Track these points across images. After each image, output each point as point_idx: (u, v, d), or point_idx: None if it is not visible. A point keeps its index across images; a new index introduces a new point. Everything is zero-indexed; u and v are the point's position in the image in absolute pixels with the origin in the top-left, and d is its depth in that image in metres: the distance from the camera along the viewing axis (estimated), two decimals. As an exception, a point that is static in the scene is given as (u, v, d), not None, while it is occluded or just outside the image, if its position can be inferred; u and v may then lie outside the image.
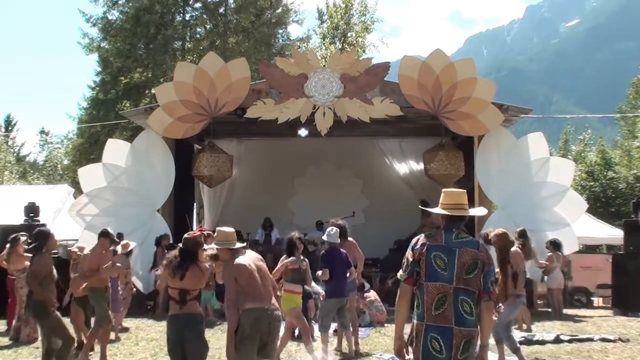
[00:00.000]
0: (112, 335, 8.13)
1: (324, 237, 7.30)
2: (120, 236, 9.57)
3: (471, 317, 3.40)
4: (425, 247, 3.45)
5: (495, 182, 11.66)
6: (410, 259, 3.49)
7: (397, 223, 14.32)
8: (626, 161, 30.26)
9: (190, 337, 4.71)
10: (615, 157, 30.60)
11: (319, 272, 7.01)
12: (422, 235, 3.58)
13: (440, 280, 3.39)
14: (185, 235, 5.03)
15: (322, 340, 7.09)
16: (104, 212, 11.57)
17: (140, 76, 27.42)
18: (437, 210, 3.63)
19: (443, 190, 3.71)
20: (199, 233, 5.15)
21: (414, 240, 3.57)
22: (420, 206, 4.06)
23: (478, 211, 3.79)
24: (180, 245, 4.97)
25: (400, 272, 3.57)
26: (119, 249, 8.61)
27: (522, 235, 9.15)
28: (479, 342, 3.47)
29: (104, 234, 7.42)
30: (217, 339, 8.54)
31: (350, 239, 7.74)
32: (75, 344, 7.90)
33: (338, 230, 7.27)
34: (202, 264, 4.93)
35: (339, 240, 7.22)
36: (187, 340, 4.70)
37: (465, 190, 3.71)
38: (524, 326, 9.11)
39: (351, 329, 7.40)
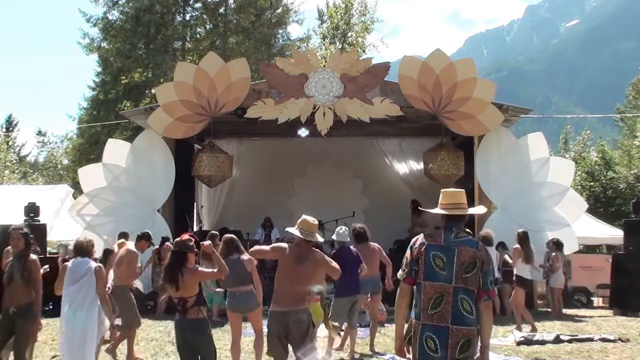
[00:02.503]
0: (107, 336, 8.11)
1: (334, 237, 7.33)
2: (125, 235, 9.47)
3: (471, 315, 3.38)
4: (424, 246, 3.46)
5: (495, 182, 11.66)
6: (409, 258, 3.51)
7: (397, 223, 14.31)
8: (626, 161, 30.26)
9: (197, 341, 4.77)
10: (615, 157, 30.60)
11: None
12: (422, 235, 3.59)
13: (438, 279, 3.39)
14: (177, 239, 5.06)
15: (328, 341, 7.10)
16: (104, 212, 11.57)
17: (140, 76, 27.42)
18: (437, 210, 3.63)
19: (442, 190, 3.71)
20: (188, 237, 5.08)
21: (413, 240, 3.59)
22: (414, 207, 4.02)
23: (477, 210, 3.76)
24: (172, 247, 5.02)
25: (400, 271, 3.58)
26: (115, 247, 8.57)
27: (524, 238, 9.24)
28: (479, 344, 3.46)
29: (145, 237, 7.92)
30: (217, 339, 8.54)
31: (373, 244, 7.75)
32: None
33: (346, 229, 7.31)
34: (193, 267, 4.91)
35: (348, 239, 7.25)
36: (195, 345, 4.77)
37: (463, 190, 3.70)
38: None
39: (353, 329, 7.39)
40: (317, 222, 4.95)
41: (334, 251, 7.35)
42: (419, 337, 3.37)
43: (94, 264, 5.54)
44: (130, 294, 7.25)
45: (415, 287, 3.48)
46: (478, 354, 3.45)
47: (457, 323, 3.34)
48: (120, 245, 8.83)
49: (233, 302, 6.27)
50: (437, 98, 11.33)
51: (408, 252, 3.55)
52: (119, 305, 7.29)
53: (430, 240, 3.49)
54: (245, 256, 6.29)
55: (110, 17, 27.65)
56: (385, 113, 11.56)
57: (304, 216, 4.99)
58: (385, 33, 43.04)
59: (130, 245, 7.68)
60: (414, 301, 3.50)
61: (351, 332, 7.33)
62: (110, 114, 26.09)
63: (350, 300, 7.08)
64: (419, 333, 3.37)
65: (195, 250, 5.02)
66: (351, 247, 7.30)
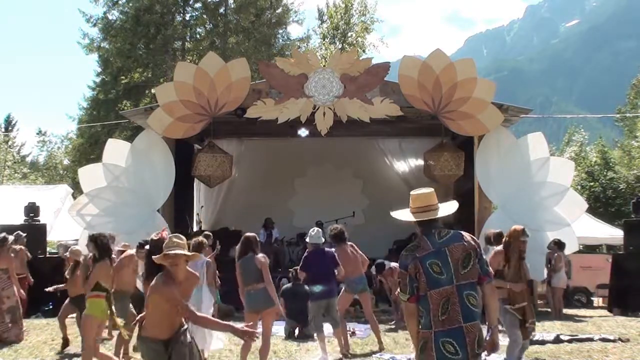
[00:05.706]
0: (105, 333, 8.10)
1: (307, 239, 7.31)
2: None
3: (477, 308, 3.42)
4: (418, 260, 3.44)
5: (495, 182, 11.65)
6: (407, 278, 3.47)
7: (397, 223, 14.11)
8: (626, 161, 30.27)
9: None
10: (615, 157, 30.60)
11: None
12: (405, 251, 3.55)
13: (441, 285, 3.39)
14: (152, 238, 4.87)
15: (319, 340, 7.10)
16: (104, 212, 11.56)
17: (140, 76, 27.43)
18: (407, 216, 3.59)
19: (412, 193, 3.66)
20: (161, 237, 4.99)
21: (401, 258, 3.54)
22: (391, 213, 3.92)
23: (448, 208, 3.64)
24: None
25: (400, 292, 3.57)
26: (115, 249, 8.53)
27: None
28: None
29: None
30: (227, 337, 8.53)
31: (350, 244, 7.68)
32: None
33: (319, 230, 7.28)
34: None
35: (321, 241, 7.22)
36: None
37: (433, 190, 3.65)
38: None
39: (340, 327, 7.38)
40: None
41: (305, 254, 7.34)
42: (434, 345, 3.36)
43: (205, 259, 6.77)
44: (127, 301, 7.16)
45: (419, 301, 3.46)
46: (488, 336, 3.48)
47: (469, 320, 3.36)
48: (123, 250, 8.79)
49: (250, 302, 6.20)
50: (437, 98, 11.33)
51: (402, 272, 3.51)
52: (116, 309, 7.27)
53: (420, 251, 3.47)
54: (259, 254, 6.31)
55: (110, 17, 27.69)
56: (385, 113, 11.56)
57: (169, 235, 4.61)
58: (385, 33, 43.08)
59: (133, 250, 7.63)
60: (420, 313, 3.48)
61: (336, 331, 7.30)
62: (110, 114, 26.08)
63: (323, 304, 7.08)
64: (433, 341, 3.36)
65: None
66: (328, 249, 7.29)
